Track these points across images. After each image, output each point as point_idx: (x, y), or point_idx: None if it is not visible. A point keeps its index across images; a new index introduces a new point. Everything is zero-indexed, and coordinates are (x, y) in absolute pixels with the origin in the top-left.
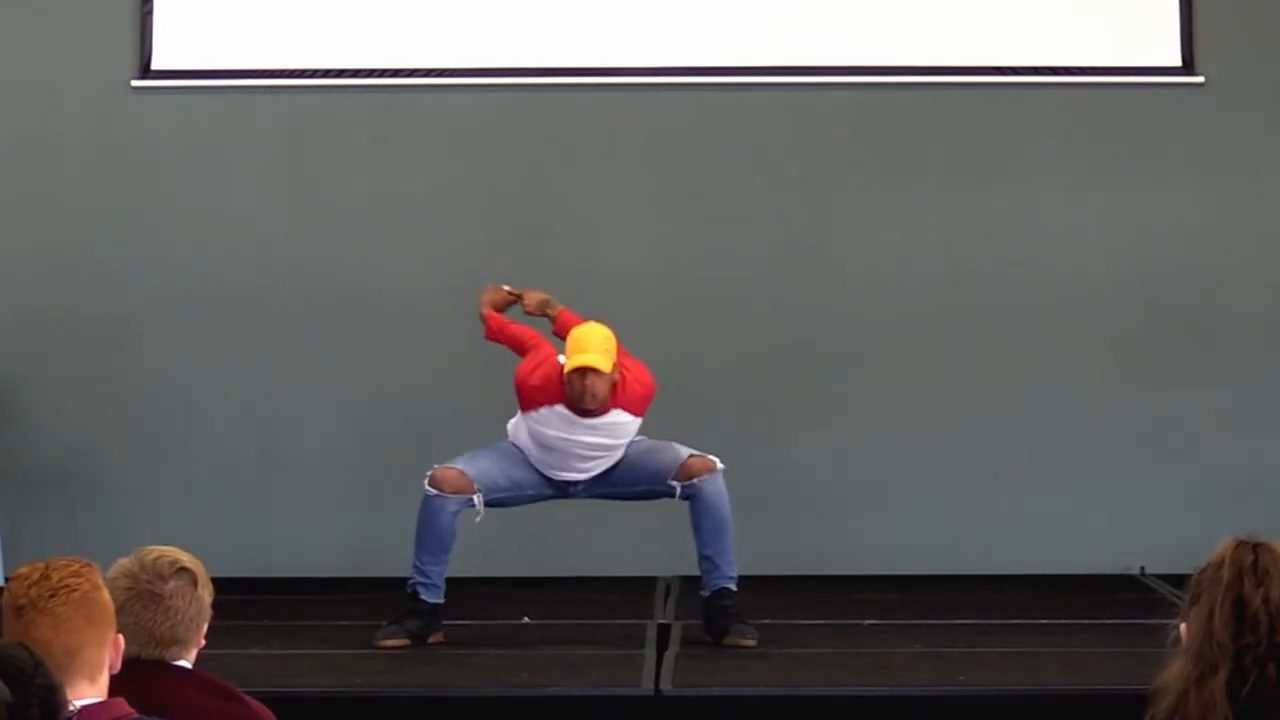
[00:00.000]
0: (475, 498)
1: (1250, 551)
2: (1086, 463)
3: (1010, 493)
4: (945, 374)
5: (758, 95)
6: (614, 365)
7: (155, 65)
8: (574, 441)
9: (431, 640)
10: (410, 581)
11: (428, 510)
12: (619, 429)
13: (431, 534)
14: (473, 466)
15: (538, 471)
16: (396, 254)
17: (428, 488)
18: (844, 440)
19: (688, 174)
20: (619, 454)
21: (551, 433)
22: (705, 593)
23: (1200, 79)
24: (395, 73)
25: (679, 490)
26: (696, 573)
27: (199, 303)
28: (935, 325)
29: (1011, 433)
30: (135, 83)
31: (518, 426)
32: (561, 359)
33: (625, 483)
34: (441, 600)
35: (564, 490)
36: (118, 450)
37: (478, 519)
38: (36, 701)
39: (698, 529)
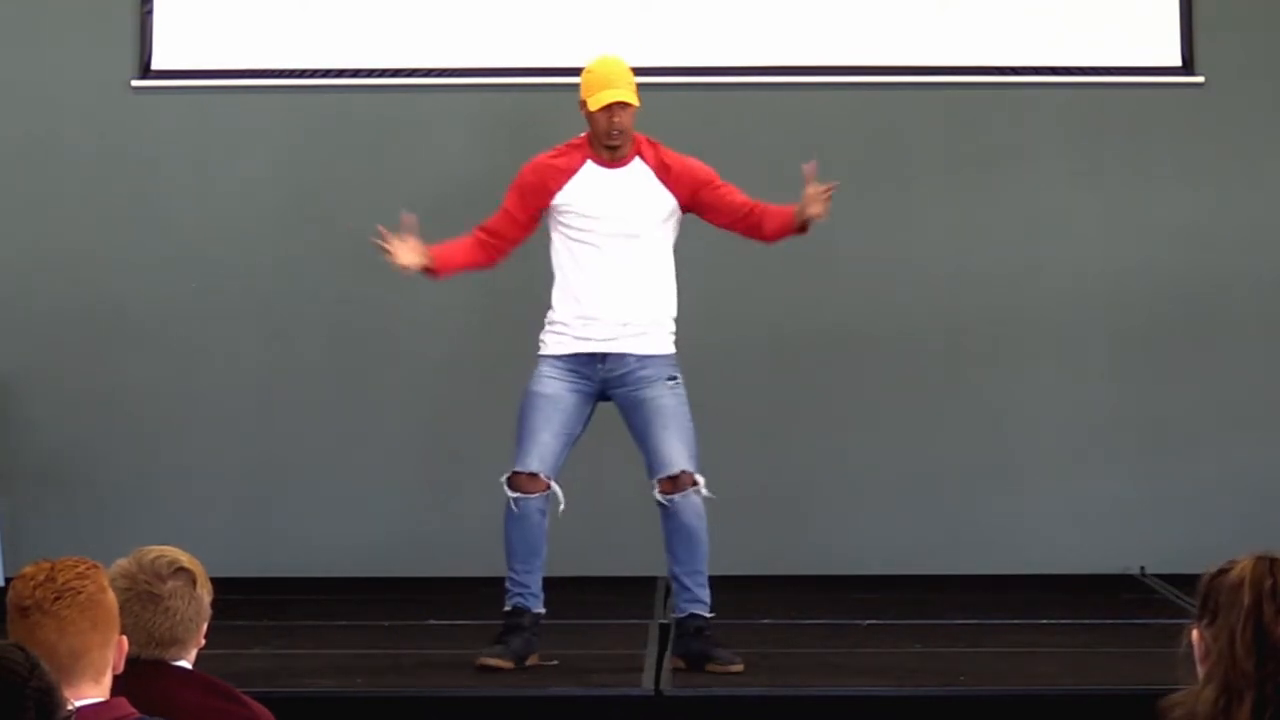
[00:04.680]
0: (553, 490)
1: (1269, 573)
2: (1086, 463)
3: (1010, 493)
4: (945, 374)
5: (758, 95)
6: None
7: (155, 65)
8: (611, 199)
9: (529, 663)
10: (509, 597)
11: (517, 518)
12: (654, 195)
13: (522, 540)
14: (535, 457)
15: (574, 388)
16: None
17: (509, 492)
18: (844, 440)
19: None
20: (650, 241)
21: (589, 203)
22: (676, 615)
23: (1200, 79)
24: (396, 72)
25: (657, 496)
26: None
27: (199, 302)
28: (935, 325)
29: (1011, 433)
30: (135, 83)
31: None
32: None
33: (642, 428)
34: (544, 611)
35: (600, 380)
36: (118, 450)
37: (561, 509)
38: (32, 704)
39: (669, 547)
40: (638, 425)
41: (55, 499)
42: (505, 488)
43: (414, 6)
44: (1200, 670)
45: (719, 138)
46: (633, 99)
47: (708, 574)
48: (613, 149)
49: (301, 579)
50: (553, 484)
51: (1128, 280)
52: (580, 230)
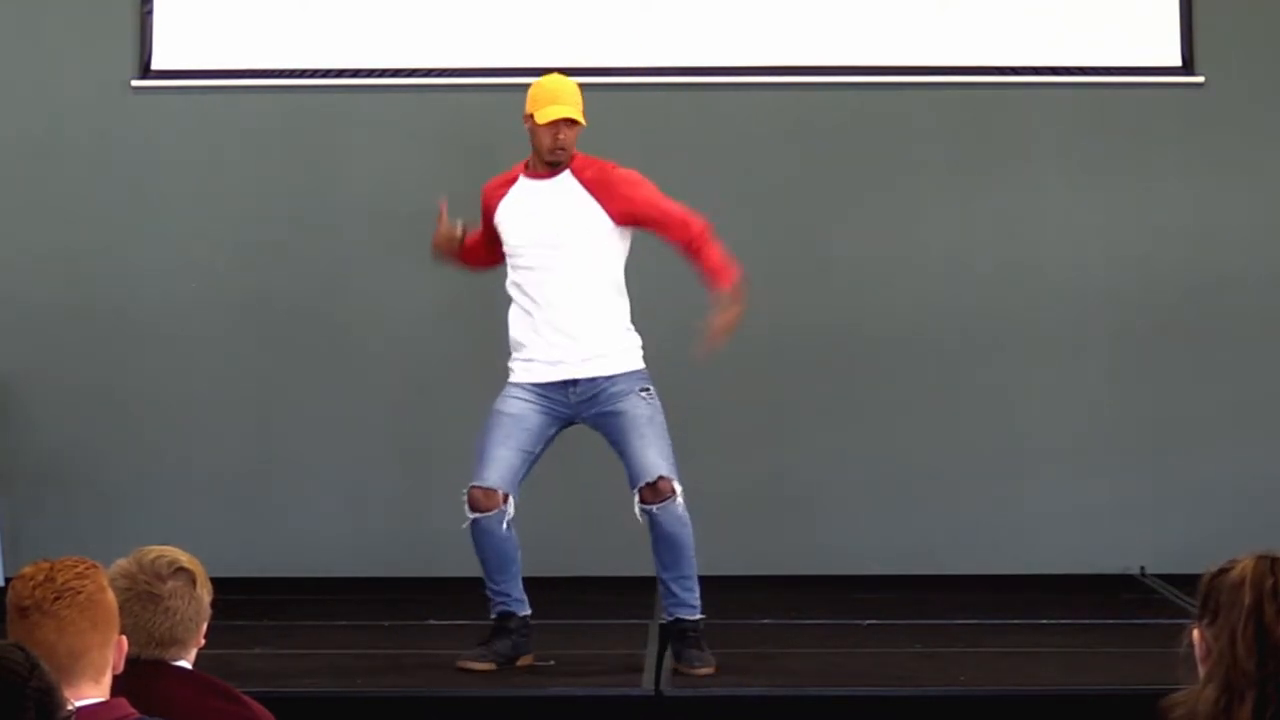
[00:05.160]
0: (507, 508)
1: (1270, 573)
2: (1087, 463)
3: (1010, 493)
4: (945, 374)
5: (758, 95)
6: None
7: (155, 65)
8: (534, 212)
9: (521, 664)
10: (492, 606)
11: (479, 533)
12: (580, 207)
13: (493, 553)
14: (493, 473)
15: (541, 409)
16: (397, 253)
17: (470, 513)
18: (844, 440)
19: (688, 174)
20: (578, 254)
21: (513, 219)
22: (664, 619)
23: (1200, 79)
24: (396, 72)
25: (638, 507)
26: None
27: (199, 302)
28: (935, 325)
29: (1012, 433)
30: (135, 83)
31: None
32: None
33: (619, 440)
34: (529, 612)
35: (573, 407)
36: (118, 450)
37: (507, 520)
38: (32, 704)
39: (655, 552)
40: (615, 438)
41: (55, 499)
42: (465, 506)
43: (414, 7)
44: (1201, 670)
45: (720, 138)
46: (580, 118)
47: (696, 576)
48: (552, 166)
49: (301, 579)
50: (510, 500)
51: (1128, 280)
52: (515, 253)
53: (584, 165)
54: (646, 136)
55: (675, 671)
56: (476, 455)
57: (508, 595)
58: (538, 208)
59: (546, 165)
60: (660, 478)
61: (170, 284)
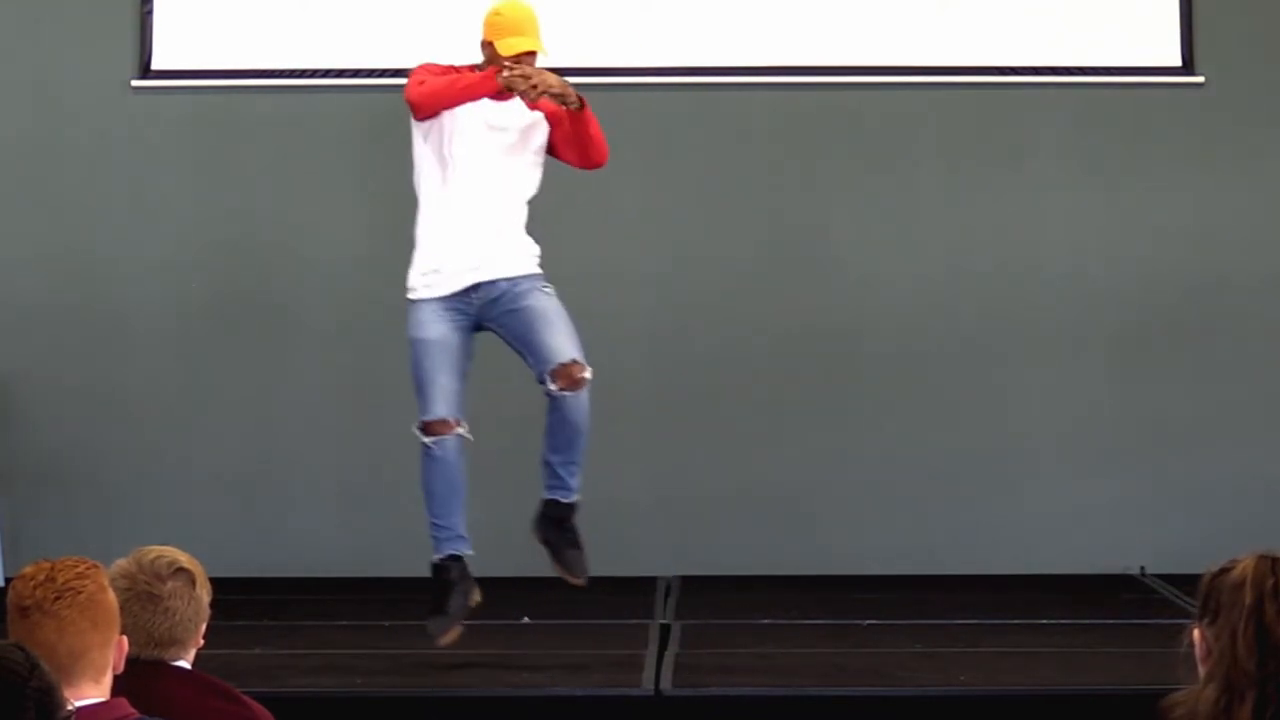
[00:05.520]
0: (461, 430)
1: (1271, 572)
2: (1086, 463)
3: (1010, 493)
4: (945, 374)
5: (758, 95)
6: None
7: (155, 65)
8: (483, 122)
9: (472, 604)
10: (437, 545)
11: (435, 461)
12: (527, 115)
13: (444, 482)
14: (442, 403)
15: (456, 325)
16: (396, 253)
17: (424, 438)
18: (843, 440)
19: (688, 174)
20: (522, 165)
21: (462, 124)
22: (544, 496)
23: (1200, 79)
24: (395, 73)
25: (549, 388)
26: (697, 573)
27: (199, 302)
28: (935, 325)
29: (1011, 433)
30: (135, 83)
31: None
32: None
33: (525, 330)
34: (470, 551)
35: (472, 311)
36: (118, 450)
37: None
38: (32, 704)
39: (550, 435)
40: (518, 330)
41: (55, 499)
42: (419, 434)
43: (412, 7)
44: (1201, 670)
45: (718, 138)
46: (542, 48)
47: (582, 463)
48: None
49: (301, 579)
50: (463, 424)
51: (1128, 280)
52: (461, 159)
53: None
54: (647, 136)
55: (555, 567)
56: (417, 387)
57: (453, 530)
58: (495, 122)
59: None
60: (574, 361)
61: (170, 284)
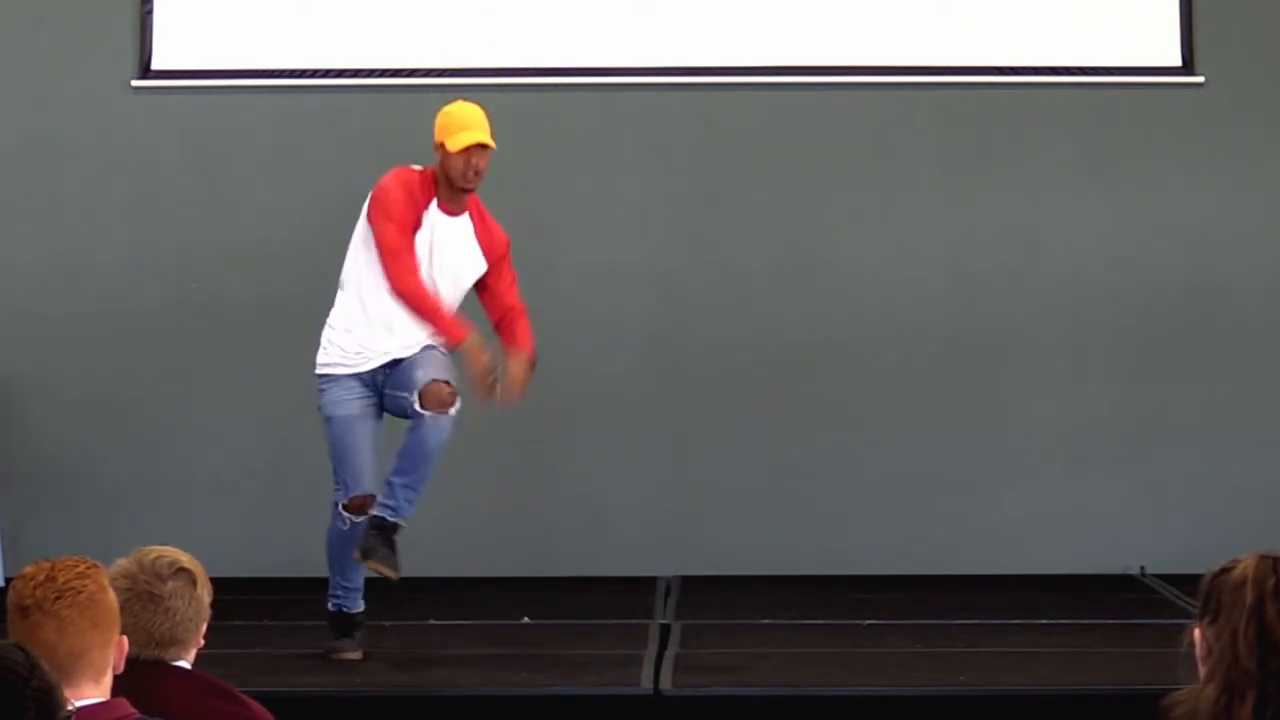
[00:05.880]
0: (375, 504)
1: (1272, 572)
2: (1087, 463)
3: (1010, 493)
4: (945, 374)
5: (758, 95)
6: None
7: (155, 65)
8: (448, 247)
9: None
10: (340, 600)
11: (350, 536)
12: (473, 250)
13: (348, 551)
14: (368, 479)
15: (369, 402)
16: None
17: (354, 518)
18: (844, 440)
19: (688, 174)
20: (458, 289)
21: (428, 250)
22: (374, 514)
23: (1200, 79)
24: (395, 73)
25: (416, 409)
26: (696, 572)
27: (199, 302)
28: (935, 325)
29: (1011, 432)
30: (135, 83)
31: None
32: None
33: (404, 375)
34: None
35: (375, 390)
36: (118, 450)
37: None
38: (32, 704)
39: (405, 455)
40: (400, 378)
41: (55, 499)
42: (343, 512)
43: (412, 7)
44: (1202, 669)
45: (719, 138)
46: (490, 141)
47: (422, 490)
48: (464, 192)
49: (301, 579)
50: (376, 496)
51: (1128, 280)
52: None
53: (474, 205)
54: (647, 136)
55: (366, 565)
56: (342, 464)
57: (354, 587)
58: (446, 247)
59: (459, 191)
60: (448, 382)
61: (170, 284)
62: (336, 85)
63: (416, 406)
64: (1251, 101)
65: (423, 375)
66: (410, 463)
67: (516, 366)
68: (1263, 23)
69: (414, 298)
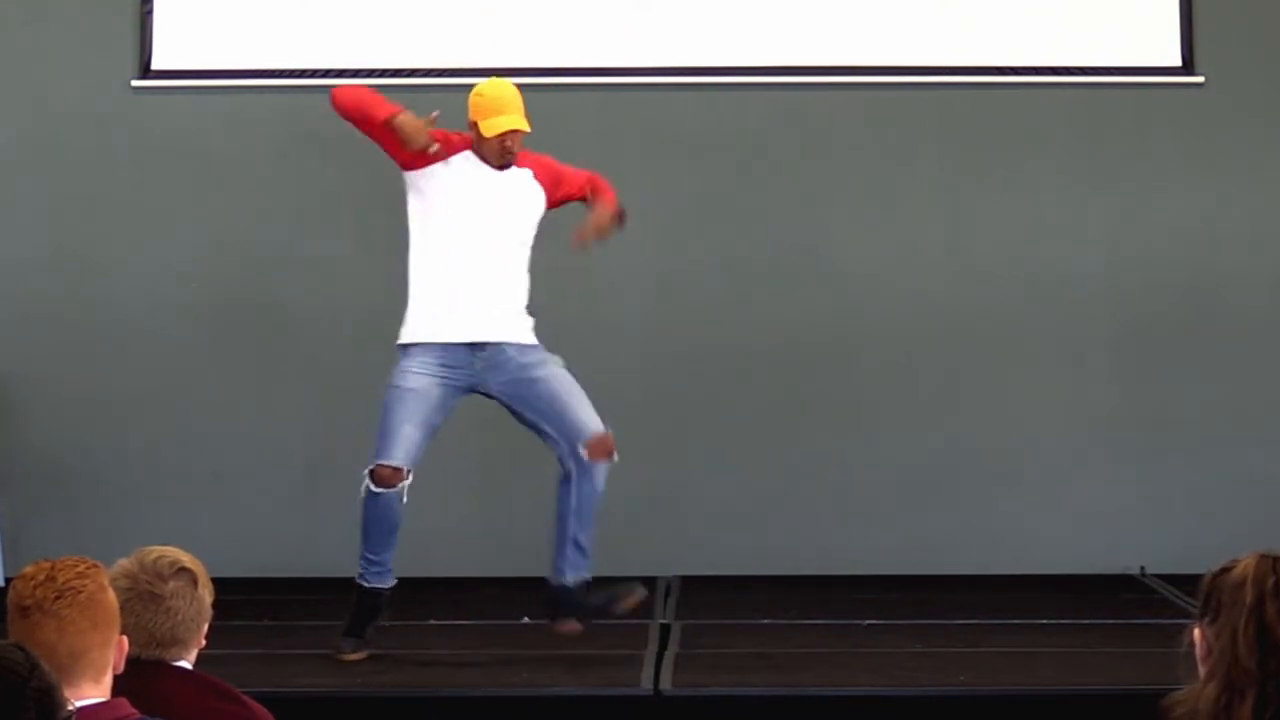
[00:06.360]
0: (408, 481)
1: (1272, 571)
2: (1086, 463)
3: (1010, 493)
4: (945, 374)
5: (758, 95)
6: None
7: (155, 65)
8: (487, 190)
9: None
10: (367, 577)
11: (378, 507)
12: (529, 192)
13: (384, 526)
14: (400, 451)
15: (441, 381)
16: (396, 253)
17: (374, 488)
18: (843, 440)
19: (688, 174)
20: (519, 238)
21: (461, 187)
22: (567, 581)
23: (1200, 79)
24: (395, 73)
25: (581, 459)
26: (696, 572)
27: (199, 302)
28: (935, 325)
29: (1012, 433)
30: (135, 83)
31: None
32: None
33: (546, 402)
34: (395, 582)
35: (469, 374)
36: (118, 450)
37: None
38: (32, 704)
39: (580, 513)
40: (538, 403)
41: (55, 499)
42: (367, 479)
43: (412, 7)
44: (1202, 669)
45: (719, 138)
46: (526, 125)
47: None
48: (502, 168)
49: (301, 579)
50: (410, 475)
51: (1128, 280)
52: (454, 222)
53: (525, 157)
54: (646, 136)
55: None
56: (381, 430)
57: (384, 566)
58: (490, 191)
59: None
60: (608, 433)
61: (170, 284)
62: (336, 85)
63: (584, 458)
64: (1251, 101)
65: (581, 423)
66: (587, 514)
67: (600, 212)
68: (1263, 23)
69: (344, 96)
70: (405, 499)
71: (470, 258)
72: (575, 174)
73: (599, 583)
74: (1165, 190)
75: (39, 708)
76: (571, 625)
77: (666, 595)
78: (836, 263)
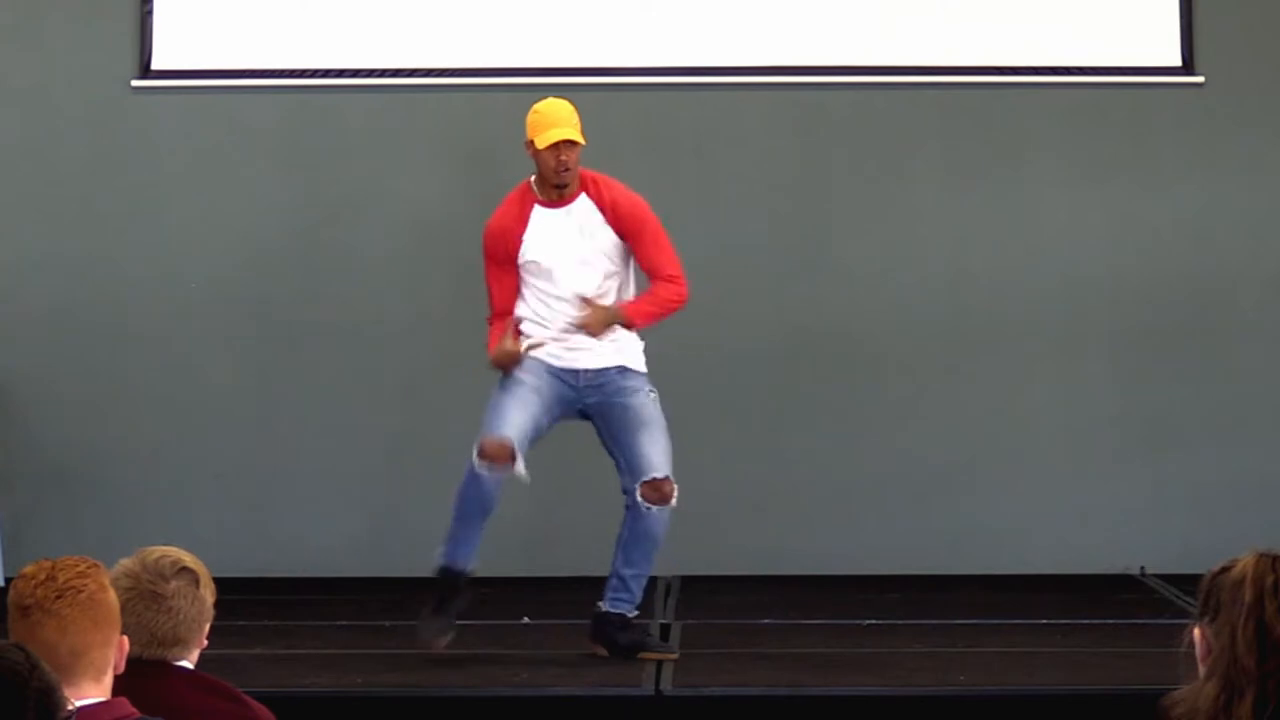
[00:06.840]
0: (518, 466)
1: (1271, 570)
2: (1087, 463)
3: (1010, 493)
4: (945, 374)
5: (758, 95)
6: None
7: (155, 65)
8: (561, 239)
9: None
10: (449, 554)
11: (476, 485)
12: (598, 230)
13: (479, 506)
14: (509, 427)
15: (556, 385)
16: (396, 253)
17: (479, 462)
18: (844, 440)
19: (688, 174)
20: (602, 268)
21: (543, 250)
22: (607, 609)
23: (1200, 79)
24: (395, 73)
25: (637, 499)
26: (696, 572)
27: (199, 302)
28: (935, 325)
29: (1012, 433)
30: (135, 83)
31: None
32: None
33: (623, 430)
34: (476, 563)
35: (573, 390)
36: (118, 450)
37: (525, 480)
38: (33, 704)
39: (628, 547)
40: (618, 428)
41: (55, 499)
42: (474, 454)
43: (412, 7)
44: (1201, 668)
45: (720, 138)
46: (580, 138)
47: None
48: (560, 188)
49: (301, 579)
50: (520, 460)
51: (1128, 280)
52: (543, 279)
53: (590, 182)
54: (646, 136)
55: (636, 659)
56: (489, 411)
57: (471, 546)
58: (563, 234)
59: (554, 189)
60: (668, 477)
61: (170, 284)
62: (336, 85)
63: (639, 500)
64: (1251, 101)
65: (646, 461)
66: (640, 554)
67: (583, 319)
68: (1263, 23)
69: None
70: (500, 484)
71: (564, 303)
72: (654, 252)
73: (600, 583)
74: (1165, 190)
75: (39, 707)
76: (600, 648)
77: (666, 595)
78: (836, 262)
